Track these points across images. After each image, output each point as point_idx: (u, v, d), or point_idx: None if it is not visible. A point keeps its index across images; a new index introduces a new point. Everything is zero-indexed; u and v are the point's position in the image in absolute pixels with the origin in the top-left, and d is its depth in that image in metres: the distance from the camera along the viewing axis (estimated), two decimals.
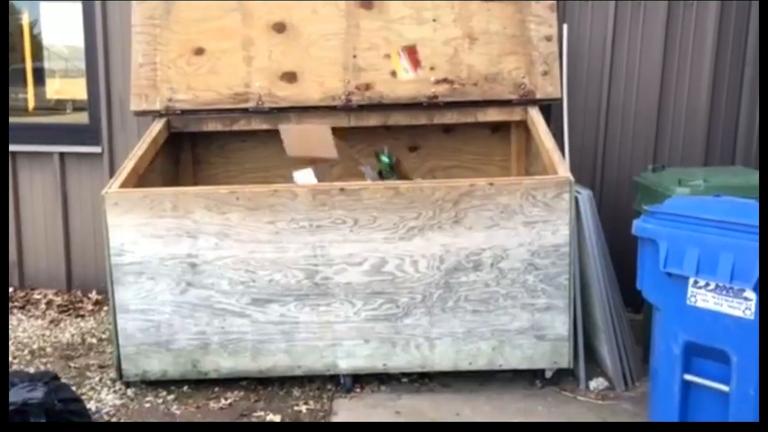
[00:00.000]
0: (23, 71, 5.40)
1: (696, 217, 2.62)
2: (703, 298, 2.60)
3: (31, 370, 3.74)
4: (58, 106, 5.41)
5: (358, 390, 3.60)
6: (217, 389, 3.52)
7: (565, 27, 4.24)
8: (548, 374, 3.62)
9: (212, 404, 3.47)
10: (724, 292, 2.54)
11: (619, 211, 4.41)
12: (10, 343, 4.20)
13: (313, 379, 3.65)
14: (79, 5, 4.75)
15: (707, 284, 2.59)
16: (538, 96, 4.13)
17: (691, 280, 2.62)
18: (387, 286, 3.47)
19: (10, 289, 4.94)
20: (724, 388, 2.58)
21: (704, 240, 2.57)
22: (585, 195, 3.61)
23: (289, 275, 3.46)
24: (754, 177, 3.64)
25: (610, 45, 4.45)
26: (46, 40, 5.24)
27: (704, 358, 2.66)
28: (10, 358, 3.99)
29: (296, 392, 3.59)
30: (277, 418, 3.34)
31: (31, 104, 5.45)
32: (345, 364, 3.55)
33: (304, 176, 4.01)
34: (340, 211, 3.42)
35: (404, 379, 3.70)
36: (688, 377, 2.69)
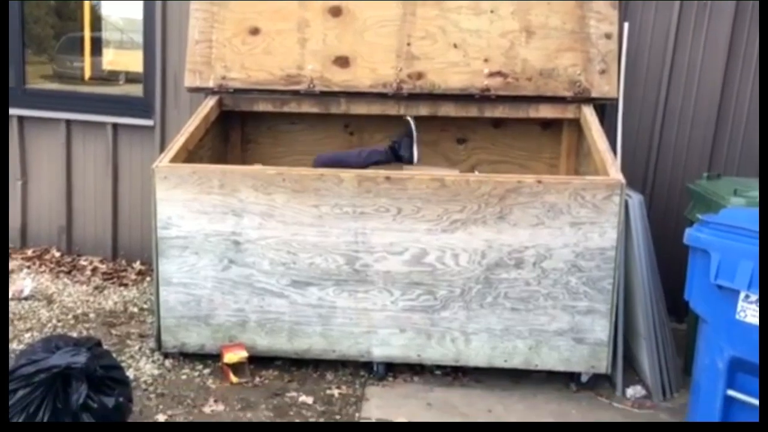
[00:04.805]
0: (81, 40, 5.51)
1: (751, 230, 2.54)
2: (754, 313, 2.52)
3: (74, 334, 3.83)
4: (111, 77, 5.51)
5: (390, 378, 3.61)
6: (252, 366, 3.56)
7: (626, 25, 4.13)
8: (584, 378, 3.57)
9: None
10: None
11: (668, 218, 4.31)
12: (55, 306, 4.31)
13: (346, 364, 3.67)
14: None
15: (759, 299, 2.50)
16: (594, 95, 4.05)
17: (742, 294, 2.54)
18: (426, 277, 3.46)
19: (58, 254, 5.07)
20: None
21: (758, 254, 2.49)
22: (636, 199, 3.53)
23: (329, 259, 3.47)
24: None
25: (671, 46, 4.32)
26: (104, 11, 5.33)
27: (750, 374, 2.58)
28: (55, 322, 4.10)
29: (329, 376, 3.62)
30: (309, 400, 3.37)
31: (87, 73, 5.57)
32: (379, 352, 3.55)
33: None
34: (384, 199, 3.41)
35: (437, 372, 3.69)
36: (731, 393, 2.62)
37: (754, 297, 2.52)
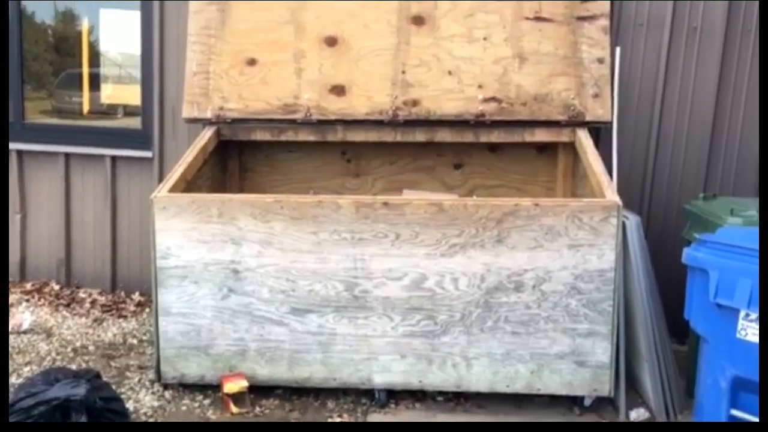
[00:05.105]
0: (79, 76, 5.57)
1: (750, 248, 2.55)
2: (754, 331, 2.52)
3: (74, 367, 3.81)
4: (110, 111, 5.56)
5: (392, 405, 3.58)
6: (252, 396, 3.54)
7: (618, 50, 4.19)
8: (587, 402, 3.54)
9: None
10: None
11: (665, 239, 4.32)
12: (54, 339, 4.29)
13: (347, 392, 3.65)
14: (137, 14, 4.88)
15: (759, 316, 2.51)
16: (588, 118, 4.09)
17: (742, 313, 2.55)
18: (426, 302, 3.45)
19: (57, 287, 5.06)
20: None
21: (757, 272, 2.49)
22: (633, 220, 3.54)
23: (328, 286, 3.47)
24: None
25: (663, 70, 4.38)
26: (103, 47, 5.40)
27: (752, 393, 2.57)
28: (54, 355, 4.08)
29: (330, 404, 3.59)
30: None
31: (86, 108, 5.61)
32: (380, 379, 3.53)
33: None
34: (383, 225, 3.42)
35: (439, 398, 3.66)
36: (734, 412, 2.61)
37: (754, 315, 2.52)
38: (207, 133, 4.19)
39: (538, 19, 4.16)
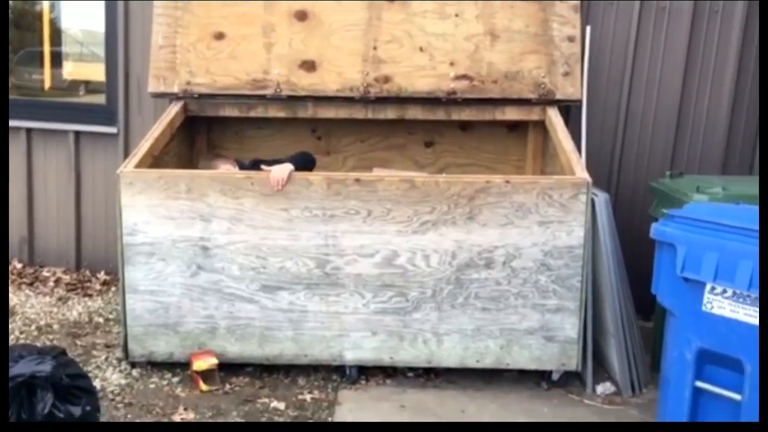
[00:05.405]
0: (40, 54, 5.42)
1: (716, 223, 2.59)
2: (720, 305, 2.57)
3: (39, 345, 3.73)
4: (72, 88, 5.42)
5: (363, 382, 3.59)
6: (222, 374, 3.51)
7: (588, 28, 4.21)
8: (555, 376, 3.60)
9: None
10: (741, 300, 2.51)
11: (633, 216, 4.38)
12: (18, 318, 4.20)
13: (318, 369, 3.64)
14: None
15: (724, 291, 2.56)
16: (558, 96, 4.10)
17: (708, 286, 2.59)
18: (397, 279, 3.45)
19: (19, 266, 4.94)
20: (737, 396, 2.55)
21: (724, 246, 2.54)
22: (602, 198, 3.58)
23: (299, 263, 3.45)
24: None
25: (632, 48, 4.41)
26: (64, 24, 5.25)
27: (717, 365, 2.62)
28: (18, 334, 3.99)
29: (301, 381, 3.58)
30: (281, 406, 3.33)
31: (47, 84, 5.46)
32: (351, 356, 3.53)
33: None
34: (354, 202, 3.40)
35: (410, 374, 3.68)
36: (699, 384, 2.66)
37: (720, 288, 2.57)
38: (174, 109, 4.10)
39: None
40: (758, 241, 2.47)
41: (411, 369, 3.67)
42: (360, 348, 3.52)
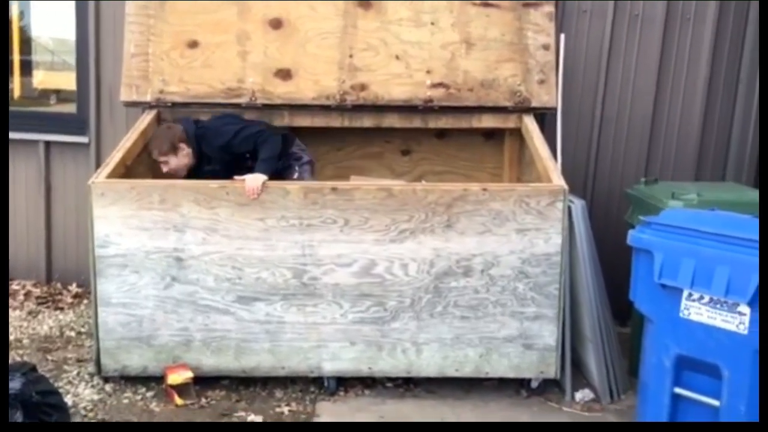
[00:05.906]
0: (10, 62, 5.30)
1: (693, 229, 2.61)
2: (697, 311, 2.59)
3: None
4: (43, 97, 5.32)
5: (341, 393, 3.55)
6: (197, 387, 3.45)
7: (562, 36, 4.23)
8: (534, 384, 3.59)
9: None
10: (718, 306, 2.53)
11: (609, 223, 4.41)
12: None
13: (296, 381, 3.59)
14: None
15: (701, 297, 2.57)
16: (534, 104, 4.11)
17: (686, 293, 2.61)
18: (375, 288, 3.42)
19: None
20: (715, 402, 2.56)
21: (700, 252, 2.56)
22: (578, 205, 3.59)
23: (276, 274, 3.40)
24: (746, 193, 3.65)
25: (606, 56, 4.45)
26: (34, 32, 5.16)
27: (695, 371, 2.64)
28: None
29: (278, 393, 3.53)
30: (258, 419, 3.27)
31: (16, 93, 5.35)
32: (330, 367, 3.49)
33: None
34: (331, 211, 3.37)
35: (389, 384, 3.65)
36: (678, 390, 2.68)
37: (697, 295, 2.59)
38: (147, 117, 4.04)
39: (485, 4, 4.16)
40: (737, 248, 2.49)
41: (390, 379, 3.64)
42: (338, 359, 3.48)
